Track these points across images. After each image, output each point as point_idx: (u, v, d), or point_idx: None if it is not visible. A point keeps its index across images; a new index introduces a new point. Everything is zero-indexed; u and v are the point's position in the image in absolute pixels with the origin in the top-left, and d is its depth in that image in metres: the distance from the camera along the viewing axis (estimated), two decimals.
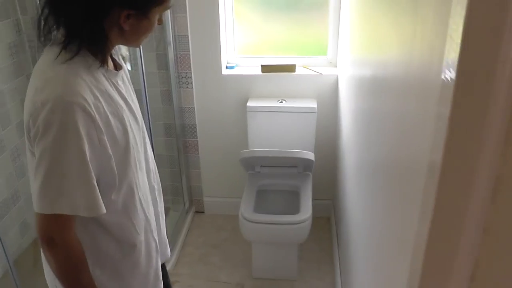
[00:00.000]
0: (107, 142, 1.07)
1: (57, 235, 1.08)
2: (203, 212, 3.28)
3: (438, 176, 0.55)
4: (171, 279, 2.54)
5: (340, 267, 2.43)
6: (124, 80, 1.24)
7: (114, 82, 1.16)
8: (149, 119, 2.39)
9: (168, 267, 2.63)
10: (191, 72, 2.83)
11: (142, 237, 1.28)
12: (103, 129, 1.06)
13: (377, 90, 1.34)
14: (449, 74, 0.54)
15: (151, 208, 1.35)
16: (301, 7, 2.72)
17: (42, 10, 1.07)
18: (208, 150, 3.08)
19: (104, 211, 1.09)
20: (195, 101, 2.91)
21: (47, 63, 1.07)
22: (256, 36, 2.89)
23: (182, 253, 2.84)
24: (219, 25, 2.69)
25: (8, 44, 2.46)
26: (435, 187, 0.56)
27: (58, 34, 1.09)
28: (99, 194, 1.08)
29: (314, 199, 2.60)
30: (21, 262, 2.06)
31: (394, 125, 1.05)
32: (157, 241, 1.38)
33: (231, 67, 2.87)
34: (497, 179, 0.52)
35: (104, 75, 1.13)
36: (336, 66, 2.81)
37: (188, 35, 2.72)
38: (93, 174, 1.05)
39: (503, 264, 0.57)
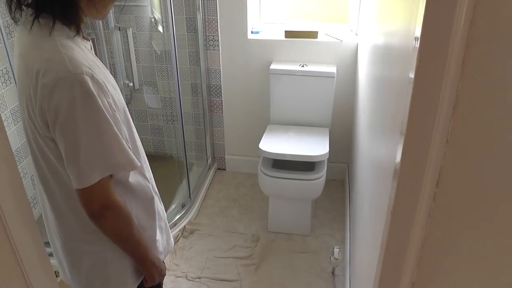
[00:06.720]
0: (113, 105, 1.08)
1: (108, 199, 1.11)
2: (224, 169, 3.47)
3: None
4: (193, 227, 2.76)
5: (350, 226, 2.57)
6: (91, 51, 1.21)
7: (90, 51, 1.14)
8: (178, 79, 2.55)
9: (190, 217, 2.84)
10: (218, 36, 2.95)
11: (150, 184, 1.31)
12: (107, 93, 1.06)
13: (384, 58, 1.46)
14: (416, 44, 0.68)
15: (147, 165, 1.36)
16: None
17: None
18: (232, 110, 3.23)
19: (139, 164, 1.14)
20: (221, 63, 3.04)
21: (33, 42, 1.05)
22: (281, 2, 2.97)
23: (203, 205, 3.04)
24: None
25: None
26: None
27: (27, 11, 1.06)
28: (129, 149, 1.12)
29: (330, 161, 2.72)
30: None
31: (393, 90, 1.18)
32: (158, 195, 1.40)
33: (256, 32, 2.98)
34: (456, 98, 0.68)
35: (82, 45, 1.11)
36: (357, 34, 2.89)
37: (216, 0, 2.83)
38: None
39: (463, 170, 0.73)
